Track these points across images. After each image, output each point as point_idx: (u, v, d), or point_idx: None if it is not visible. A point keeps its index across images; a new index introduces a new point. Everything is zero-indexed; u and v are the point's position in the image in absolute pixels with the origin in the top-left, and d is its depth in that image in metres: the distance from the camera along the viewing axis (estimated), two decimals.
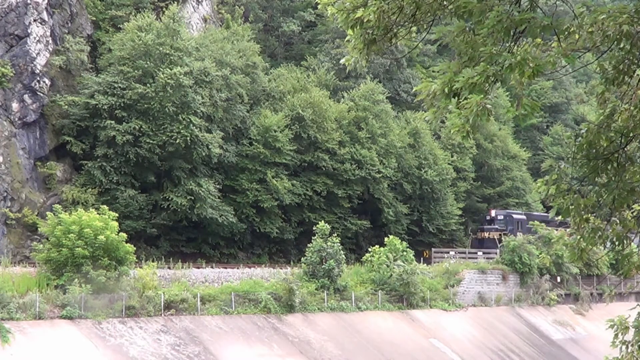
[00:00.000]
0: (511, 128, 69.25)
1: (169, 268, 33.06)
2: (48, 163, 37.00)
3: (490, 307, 42.94)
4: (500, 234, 50.48)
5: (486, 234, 51.71)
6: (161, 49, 38.84)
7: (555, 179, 9.10)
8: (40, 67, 36.34)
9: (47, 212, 30.42)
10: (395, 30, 8.18)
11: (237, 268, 35.86)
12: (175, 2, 44.19)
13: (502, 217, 52.60)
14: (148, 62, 38.40)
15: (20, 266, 29.89)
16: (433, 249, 47.75)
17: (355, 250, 47.72)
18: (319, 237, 36.15)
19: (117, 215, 30.07)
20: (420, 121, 52.18)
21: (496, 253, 48.59)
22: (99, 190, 36.99)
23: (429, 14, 8.02)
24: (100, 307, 27.35)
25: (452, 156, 56.60)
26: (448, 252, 47.92)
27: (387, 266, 38.22)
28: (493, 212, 52.95)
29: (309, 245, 36.63)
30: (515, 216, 52.62)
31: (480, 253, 50.63)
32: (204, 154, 39.68)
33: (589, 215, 9.24)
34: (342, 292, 36.03)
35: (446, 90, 7.28)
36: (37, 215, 34.63)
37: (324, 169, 46.62)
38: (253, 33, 51.35)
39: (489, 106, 7.07)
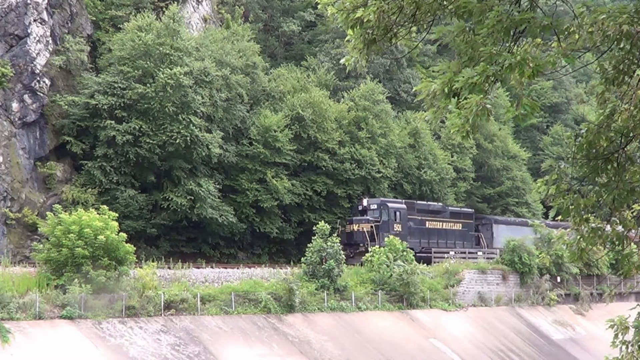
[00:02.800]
0: (511, 128, 69.24)
1: (169, 268, 33.07)
2: (48, 163, 36.99)
3: (490, 307, 42.92)
4: (372, 226, 42.57)
5: (355, 227, 43.35)
6: (161, 49, 38.84)
7: (555, 179, 9.11)
8: (40, 67, 36.34)
9: (47, 212, 30.41)
10: (395, 30, 8.19)
11: (237, 268, 35.86)
12: (175, 2, 44.18)
13: (375, 206, 44.20)
14: (148, 62, 38.40)
15: (20, 266, 29.86)
16: (433, 249, 47.61)
17: None
18: (319, 237, 36.14)
19: (117, 215, 30.05)
20: (420, 121, 52.12)
21: (365, 249, 41.29)
22: (99, 190, 36.99)
23: (429, 14, 8.03)
24: (100, 307, 27.34)
25: (452, 156, 56.58)
26: (448, 252, 47.73)
27: (387, 266, 38.21)
28: (365, 201, 44.60)
29: (309, 245, 36.63)
30: (391, 205, 44.63)
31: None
32: (204, 154, 39.68)
33: (589, 215, 9.24)
34: (342, 292, 36.02)
35: (446, 90, 7.29)
36: (37, 215, 34.62)
37: (324, 168, 46.63)
38: (253, 33, 51.32)
39: (489, 106, 7.08)
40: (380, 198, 45.98)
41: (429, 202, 49.29)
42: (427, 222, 46.94)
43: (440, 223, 47.93)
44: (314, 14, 62.63)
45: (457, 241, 47.93)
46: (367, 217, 43.29)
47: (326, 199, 46.77)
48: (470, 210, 52.06)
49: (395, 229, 43.55)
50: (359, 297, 36.21)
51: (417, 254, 43.26)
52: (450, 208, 50.01)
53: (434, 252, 46.24)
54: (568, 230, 10.06)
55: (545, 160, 61.57)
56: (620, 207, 9.28)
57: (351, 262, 40.40)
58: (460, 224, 49.10)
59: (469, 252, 48.25)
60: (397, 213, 44.39)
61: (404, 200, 46.71)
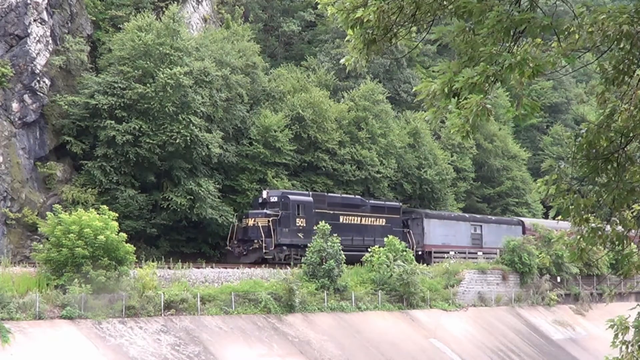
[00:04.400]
0: (511, 128, 69.33)
1: (169, 268, 33.06)
2: (48, 163, 36.99)
3: (490, 307, 42.92)
4: (269, 221, 37.74)
5: (251, 221, 38.40)
6: (161, 49, 38.83)
7: (555, 179, 9.11)
8: (40, 67, 36.33)
9: (47, 212, 30.40)
10: (395, 30, 8.19)
11: (237, 268, 35.85)
12: (175, 2, 44.18)
13: (275, 198, 39.06)
14: (148, 62, 38.40)
15: (20, 266, 29.85)
16: (433, 249, 47.61)
17: None
18: (318, 237, 36.14)
19: (117, 215, 30.04)
20: (420, 121, 52.16)
21: (259, 246, 37.22)
22: (99, 190, 36.98)
23: (429, 14, 8.03)
24: (100, 307, 27.34)
25: (452, 156, 56.61)
26: (448, 252, 47.73)
27: (387, 266, 38.19)
28: (265, 193, 39.48)
29: (309, 245, 36.62)
30: (293, 197, 39.42)
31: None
32: (204, 154, 39.69)
33: (589, 215, 9.24)
34: (342, 292, 36.02)
35: (446, 90, 7.29)
36: (37, 215, 34.60)
37: (324, 169, 46.65)
38: (253, 33, 51.34)
39: (489, 106, 7.08)
40: (282, 190, 41.07)
41: (345, 195, 44.16)
42: (341, 217, 41.78)
43: (359, 218, 42.82)
44: (314, 14, 62.61)
45: (377, 238, 42.48)
46: (265, 211, 38.52)
47: None
48: (396, 204, 46.84)
49: (297, 224, 39.07)
50: (359, 297, 36.22)
51: None
52: (371, 201, 44.83)
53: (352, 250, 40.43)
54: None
55: (545, 160, 61.58)
56: (620, 207, 9.29)
57: (245, 261, 37.18)
58: (384, 219, 43.97)
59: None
60: (301, 206, 39.50)
61: (311, 192, 42.00)
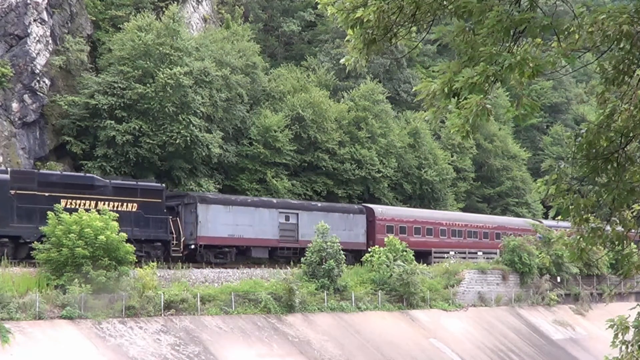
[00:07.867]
0: (511, 128, 69.32)
1: (169, 268, 33.07)
2: (48, 163, 37.00)
3: (490, 307, 42.91)
4: None
5: None
6: (161, 49, 38.86)
7: (555, 179, 9.10)
8: (40, 67, 36.35)
9: (48, 212, 30.34)
10: (395, 30, 8.19)
11: (237, 268, 35.86)
12: (175, 2, 44.19)
13: None
14: (148, 62, 38.42)
15: (20, 266, 29.83)
16: (433, 249, 47.54)
17: None
18: (318, 237, 36.12)
19: (117, 215, 30.03)
20: (420, 121, 52.19)
21: None
22: None
23: (429, 14, 8.03)
24: (100, 307, 27.34)
25: (452, 156, 56.63)
26: (448, 252, 47.64)
27: (387, 266, 38.18)
28: None
29: (308, 245, 36.61)
30: None
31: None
32: (204, 154, 39.71)
33: (589, 215, 9.24)
34: (342, 292, 36.01)
35: (446, 90, 7.29)
36: None
37: (324, 169, 46.67)
38: (253, 33, 51.36)
39: (489, 106, 7.08)
40: None
41: (70, 173, 34.63)
42: (63, 201, 30.51)
43: (93, 202, 31.60)
44: (314, 14, 62.59)
45: (124, 227, 30.69)
46: None
47: (326, 199, 46.80)
48: (157, 184, 35.48)
49: None
50: (359, 297, 36.21)
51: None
52: (114, 181, 33.60)
53: None
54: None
55: (545, 160, 61.68)
56: (620, 207, 9.28)
57: None
58: (136, 204, 33.41)
59: None
60: None
61: (10, 169, 31.03)
